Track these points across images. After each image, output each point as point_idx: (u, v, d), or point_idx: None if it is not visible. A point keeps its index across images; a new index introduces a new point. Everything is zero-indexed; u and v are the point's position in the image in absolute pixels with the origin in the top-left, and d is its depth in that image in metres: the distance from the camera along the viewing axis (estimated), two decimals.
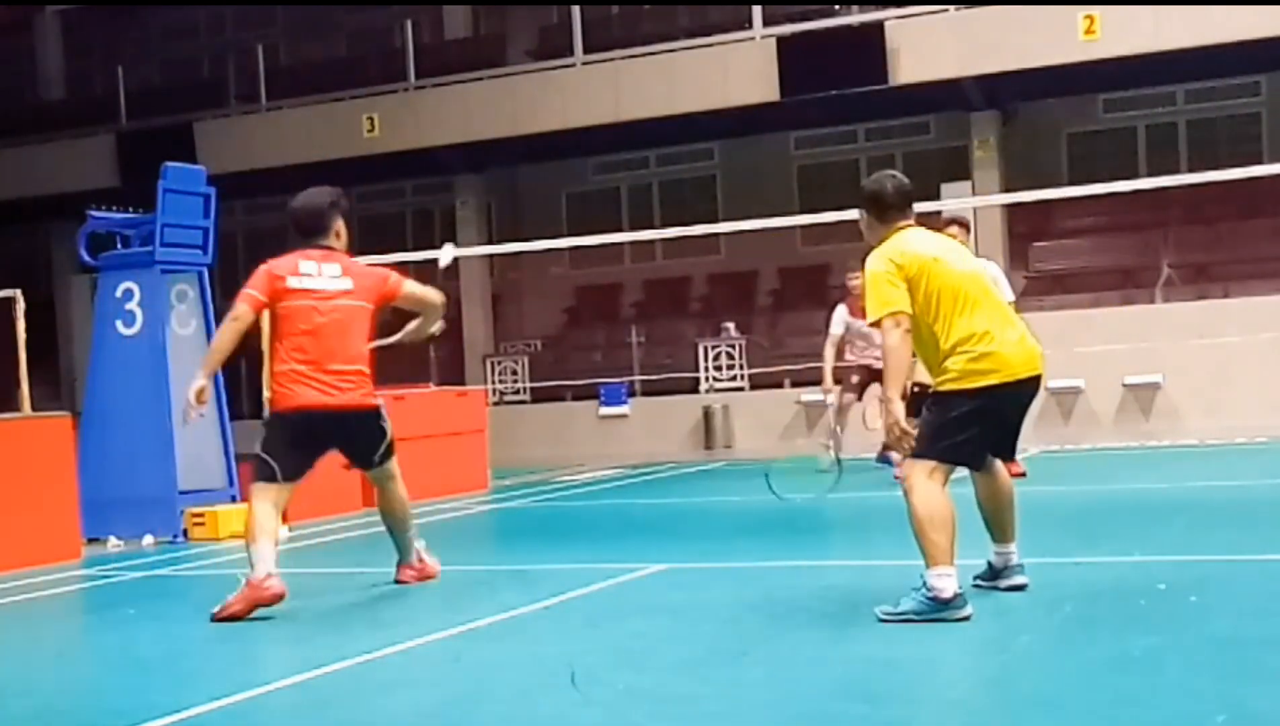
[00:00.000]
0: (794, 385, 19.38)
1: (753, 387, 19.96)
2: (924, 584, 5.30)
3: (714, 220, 20.49)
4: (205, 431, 10.72)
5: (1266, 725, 3.87)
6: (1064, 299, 19.22)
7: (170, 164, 10.75)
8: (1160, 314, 17.96)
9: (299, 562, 8.33)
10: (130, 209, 11.15)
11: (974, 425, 5.47)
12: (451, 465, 12.85)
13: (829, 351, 12.30)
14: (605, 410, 20.02)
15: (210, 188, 10.90)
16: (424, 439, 11.68)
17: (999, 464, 5.86)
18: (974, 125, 20.36)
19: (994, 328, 5.50)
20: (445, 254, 9.31)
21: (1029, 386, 5.60)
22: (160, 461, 10.21)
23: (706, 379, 20.15)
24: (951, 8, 19.23)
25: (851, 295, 11.77)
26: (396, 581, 7.14)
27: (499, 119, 21.14)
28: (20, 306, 10.93)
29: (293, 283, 6.77)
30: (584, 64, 21.20)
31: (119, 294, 10.55)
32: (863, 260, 5.70)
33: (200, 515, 10.15)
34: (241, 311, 6.79)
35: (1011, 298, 9.10)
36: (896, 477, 6.62)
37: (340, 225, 7.07)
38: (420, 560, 7.23)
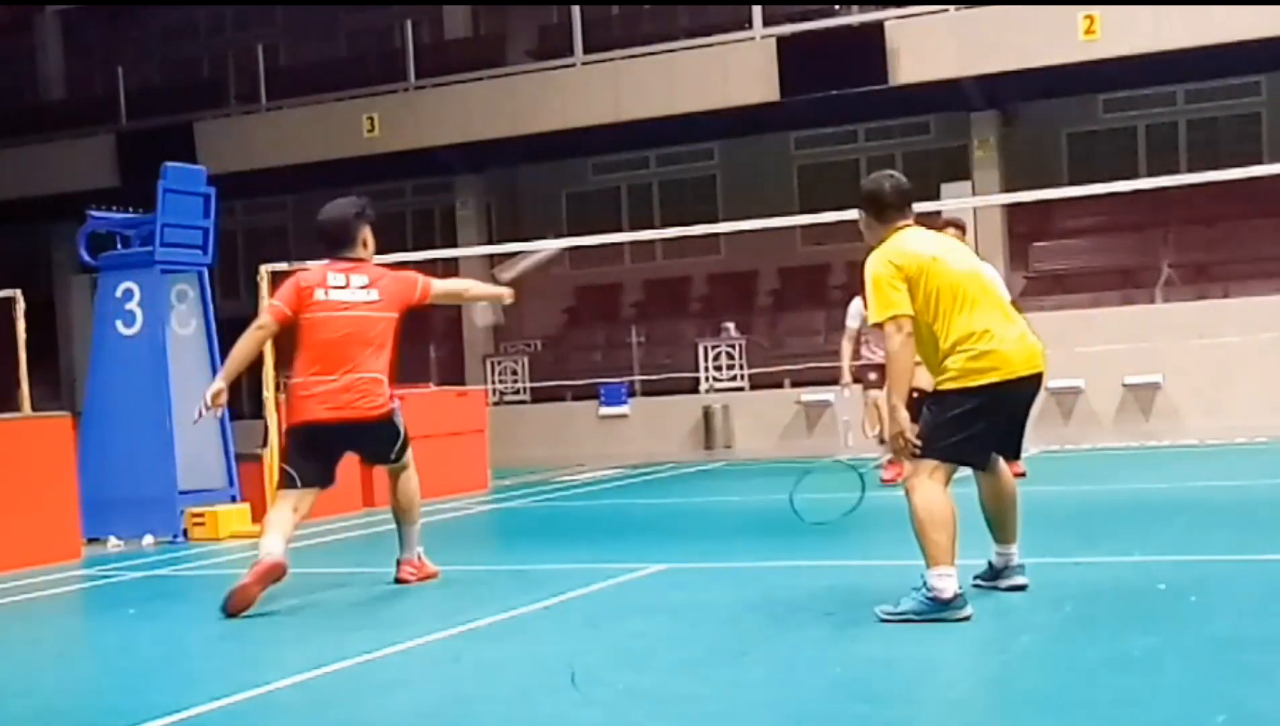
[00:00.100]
0: (794, 385, 19.39)
1: (753, 388, 19.95)
2: (924, 584, 5.30)
3: (714, 220, 20.47)
4: (205, 431, 10.71)
5: (1266, 725, 3.87)
6: (1064, 299, 19.21)
7: (170, 164, 10.76)
8: (1160, 314, 17.96)
9: (299, 562, 8.29)
10: (130, 209, 11.15)
11: (975, 424, 5.47)
12: (451, 465, 12.84)
13: (847, 346, 12.13)
14: (605, 410, 20.02)
15: (210, 188, 10.90)
16: (424, 439, 11.64)
17: (1003, 464, 5.86)
18: (974, 125, 20.36)
19: (994, 326, 5.50)
20: (543, 250, 9.25)
21: (1030, 384, 5.60)
22: (160, 461, 10.21)
23: (706, 379, 20.15)
24: (951, 8, 19.23)
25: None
26: (396, 580, 7.14)
27: (499, 119, 21.13)
28: (20, 306, 10.93)
29: (319, 295, 6.90)
30: (584, 64, 21.19)
31: (119, 294, 10.55)
32: (863, 260, 5.70)
33: (200, 515, 10.16)
34: (265, 322, 6.98)
35: (1009, 299, 9.09)
36: (884, 481, 6.61)
37: (367, 234, 7.17)
38: (420, 559, 7.24)
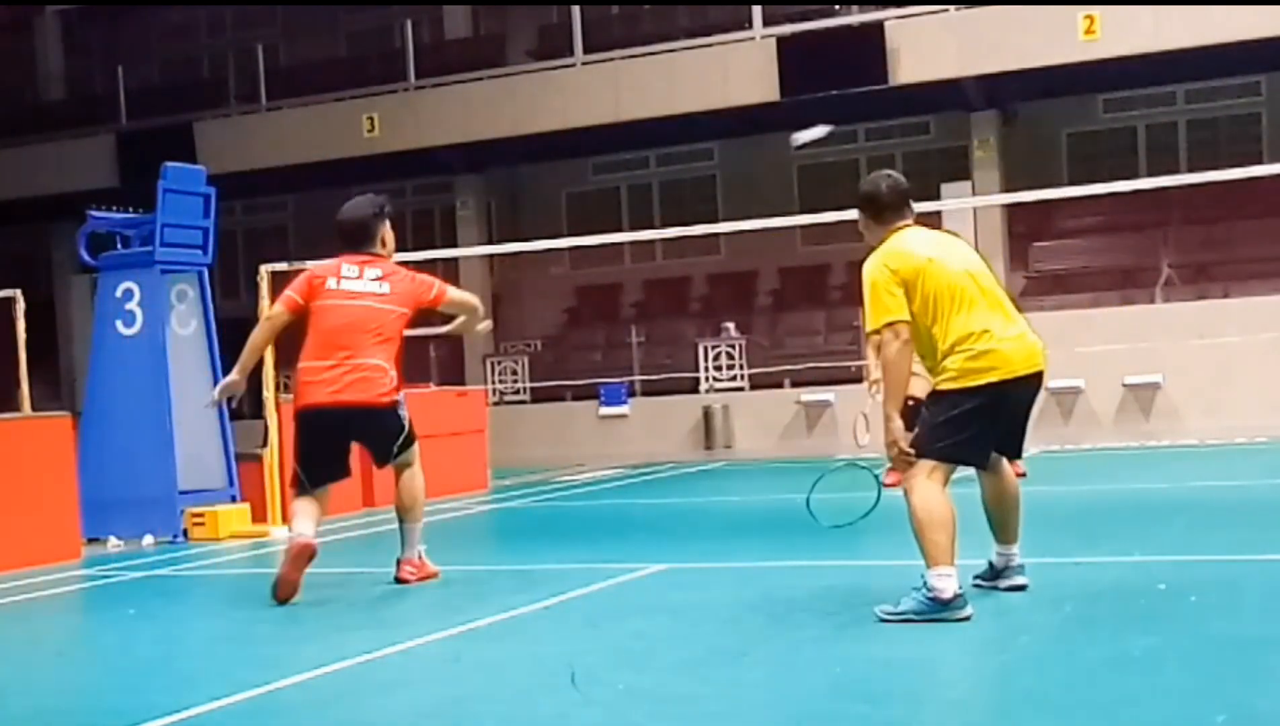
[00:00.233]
0: (794, 385, 19.41)
1: (753, 387, 19.96)
2: (924, 584, 5.30)
3: (714, 220, 20.49)
4: (205, 431, 10.72)
5: (1266, 725, 3.87)
6: (1064, 299, 19.22)
7: (170, 164, 10.75)
8: (1160, 314, 17.97)
9: None
10: (130, 209, 11.15)
11: (974, 424, 5.46)
12: (451, 465, 12.83)
13: (871, 352, 12.11)
14: (605, 410, 20.02)
15: (210, 188, 10.90)
16: (424, 439, 11.63)
17: (1005, 464, 5.85)
18: (974, 125, 20.37)
19: (992, 325, 5.49)
20: (811, 133, 9.16)
21: (1030, 383, 5.59)
22: (160, 461, 10.20)
23: (706, 379, 20.15)
24: (951, 8, 19.24)
25: None
26: (396, 580, 7.13)
27: (499, 119, 21.14)
28: (20, 306, 10.93)
29: (331, 284, 7.02)
30: (584, 64, 21.20)
31: (119, 294, 10.54)
32: (863, 260, 5.70)
33: (200, 515, 10.15)
34: (276, 312, 7.14)
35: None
36: (885, 484, 6.61)
37: (386, 232, 7.28)
38: (421, 558, 7.23)
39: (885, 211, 5.68)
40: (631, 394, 20.26)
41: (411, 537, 7.21)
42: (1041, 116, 21.19)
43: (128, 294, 10.52)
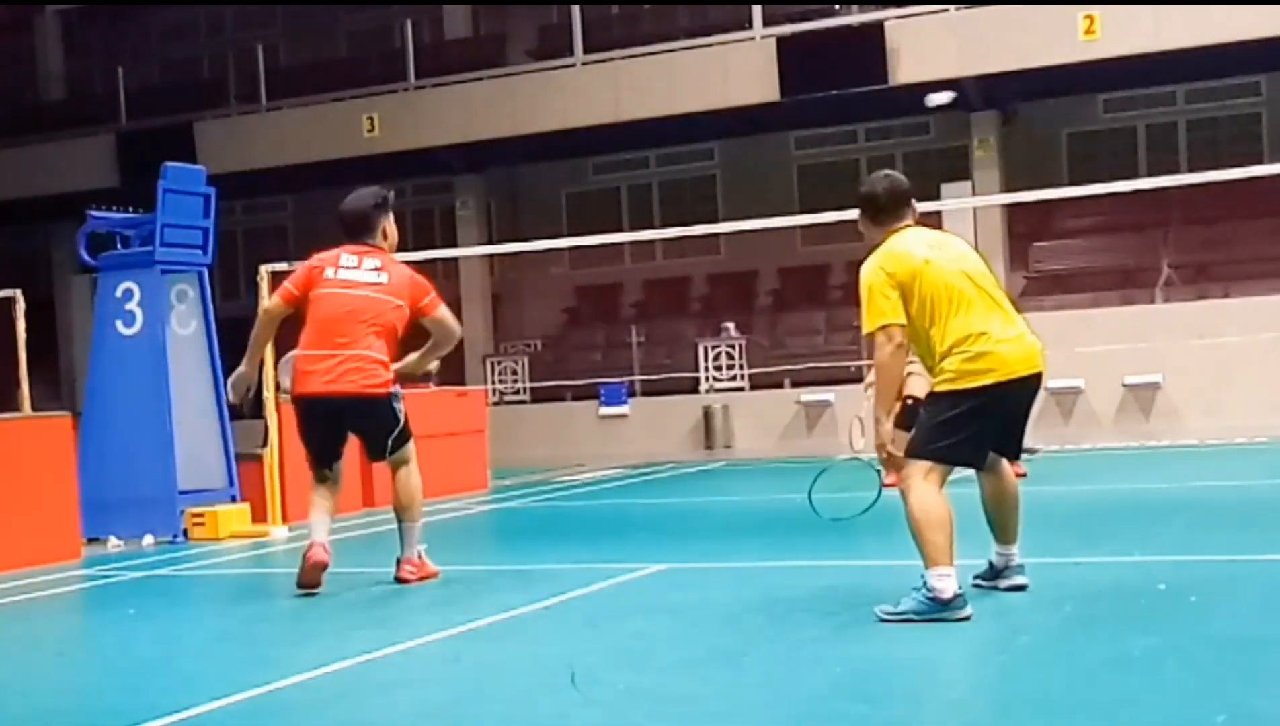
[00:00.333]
0: (794, 385, 19.41)
1: (753, 387, 19.96)
2: (924, 584, 5.30)
3: (714, 220, 20.50)
4: (205, 431, 10.73)
5: (1266, 725, 3.87)
6: (1064, 299, 19.22)
7: (170, 164, 10.75)
8: (1160, 314, 17.97)
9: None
10: (130, 209, 11.15)
11: (970, 425, 5.45)
12: (451, 465, 12.83)
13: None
14: (605, 410, 20.02)
15: (210, 188, 10.90)
16: (424, 439, 11.63)
17: (1005, 465, 5.84)
18: (974, 125, 20.36)
19: (990, 327, 5.48)
20: (939, 97, 9.14)
21: (1029, 384, 5.58)
22: (160, 461, 10.21)
23: (706, 379, 20.15)
24: (951, 8, 19.24)
25: None
26: (396, 579, 7.12)
27: (499, 119, 21.14)
28: (20, 306, 10.93)
29: (329, 273, 7.06)
30: (584, 64, 21.20)
31: (119, 294, 10.54)
32: (861, 262, 5.69)
33: (200, 515, 10.15)
34: (271, 304, 7.24)
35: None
36: (886, 485, 6.61)
37: (388, 224, 7.29)
38: (421, 558, 7.23)
39: (883, 213, 5.68)
40: (631, 394, 20.26)
41: (411, 537, 7.20)
42: (1041, 116, 21.19)
43: (128, 294, 10.51)
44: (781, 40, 19.59)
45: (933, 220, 8.23)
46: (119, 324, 10.53)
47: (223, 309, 12.59)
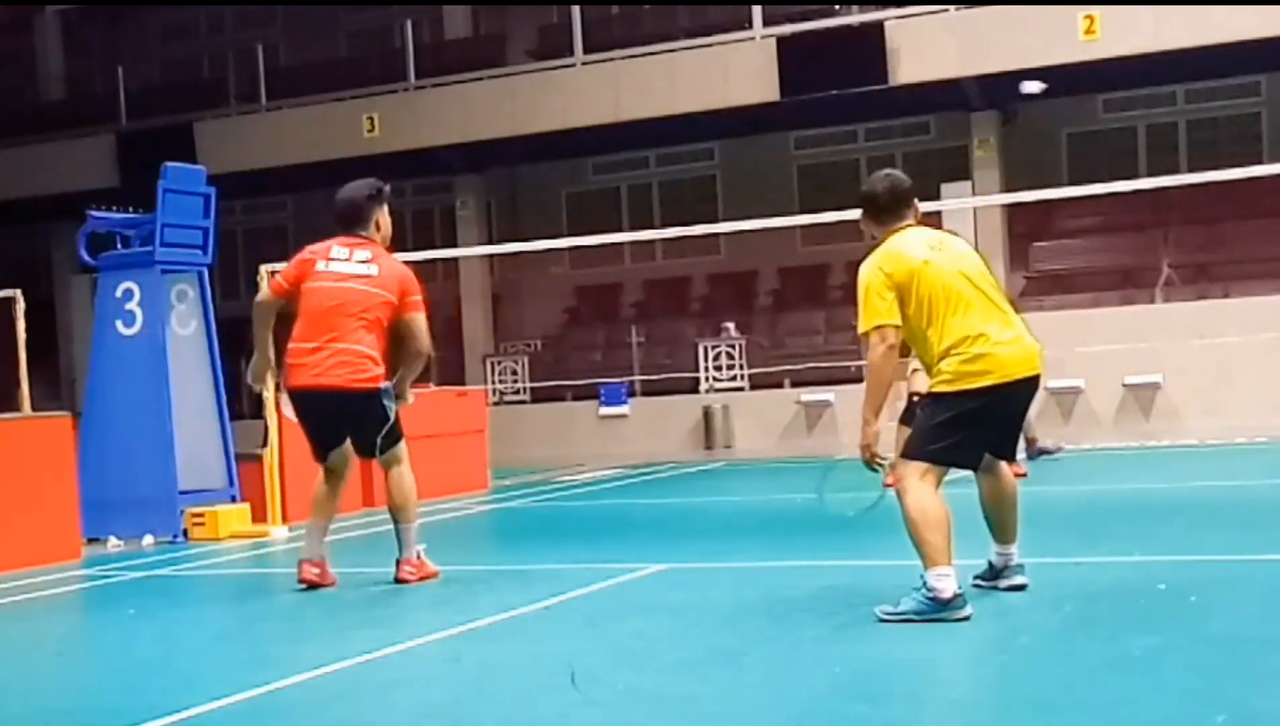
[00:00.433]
0: (794, 385, 19.41)
1: (753, 387, 19.97)
2: (924, 584, 5.30)
3: (714, 220, 20.50)
4: (205, 431, 10.73)
5: (1266, 725, 3.87)
6: (1064, 299, 19.22)
7: (170, 164, 10.75)
8: (1160, 314, 17.96)
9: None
10: (130, 209, 11.15)
11: (967, 427, 5.45)
12: (451, 465, 12.84)
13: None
14: (605, 410, 20.02)
15: (210, 188, 10.90)
16: (424, 439, 11.64)
17: (1003, 465, 5.84)
18: (974, 125, 20.37)
19: (988, 328, 5.48)
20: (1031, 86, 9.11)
21: (1026, 387, 5.59)
22: (160, 461, 10.20)
23: (706, 379, 20.16)
24: (951, 8, 19.24)
25: None
26: (396, 580, 7.12)
27: (499, 119, 21.14)
28: (20, 306, 10.93)
29: (320, 266, 7.03)
30: (584, 64, 21.21)
31: (119, 294, 10.54)
32: (861, 261, 5.69)
33: (200, 515, 10.15)
34: (262, 294, 7.29)
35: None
36: (887, 484, 6.61)
37: (381, 216, 7.24)
38: (420, 558, 7.22)
39: (884, 212, 5.69)
40: (631, 394, 20.26)
41: (408, 538, 7.18)
42: (1041, 116, 21.19)
43: (128, 294, 10.51)
44: (781, 40, 19.59)
45: (933, 220, 8.23)
46: (119, 324, 10.53)
47: (223, 309, 12.58)
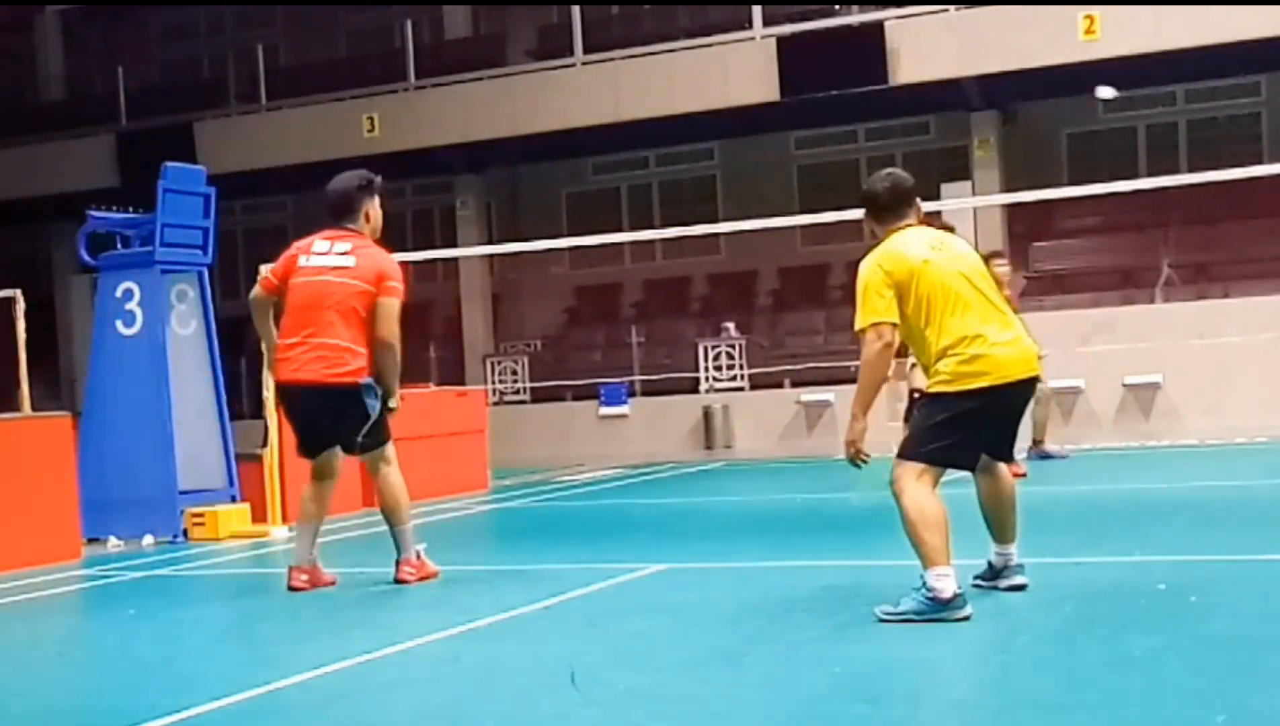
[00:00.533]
0: (794, 385, 19.40)
1: (753, 387, 19.96)
2: (924, 584, 5.30)
3: (714, 220, 20.50)
4: (205, 431, 10.73)
5: (1266, 725, 3.87)
6: (1064, 299, 19.21)
7: (170, 164, 10.75)
8: (1160, 314, 17.96)
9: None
10: (130, 209, 11.15)
11: (964, 428, 5.45)
12: (451, 465, 12.85)
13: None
14: (605, 410, 20.02)
15: (210, 188, 10.90)
16: (424, 439, 11.68)
17: (1000, 465, 5.84)
18: (974, 125, 20.36)
19: (986, 329, 5.48)
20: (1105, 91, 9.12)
21: (1023, 388, 5.59)
22: (160, 461, 10.20)
23: (706, 379, 20.15)
24: (951, 8, 19.24)
25: None
26: (396, 580, 7.11)
27: (499, 119, 21.14)
28: (20, 306, 10.92)
29: (302, 261, 7.05)
30: (584, 64, 21.20)
31: (119, 294, 10.54)
32: (859, 262, 5.70)
33: (200, 515, 10.15)
34: (253, 292, 7.28)
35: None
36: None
37: (371, 207, 7.19)
38: (419, 557, 7.21)
39: (885, 211, 5.70)
40: (631, 394, 20.26)
41: (404, 539, 7.16)
42: (1041, 116, 21.19)
43: (128, 294, 10.51)
44: (781, 40, 19.59)
45: (933, 220, 8.23)
46: (119, 324, 10.53)
47: (223, 309, 12.59)
